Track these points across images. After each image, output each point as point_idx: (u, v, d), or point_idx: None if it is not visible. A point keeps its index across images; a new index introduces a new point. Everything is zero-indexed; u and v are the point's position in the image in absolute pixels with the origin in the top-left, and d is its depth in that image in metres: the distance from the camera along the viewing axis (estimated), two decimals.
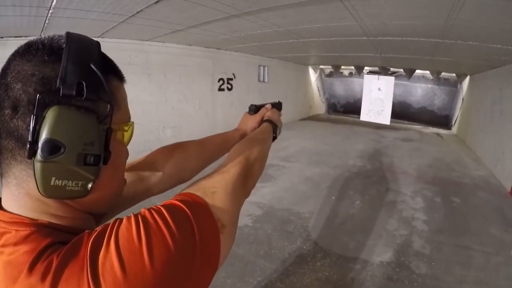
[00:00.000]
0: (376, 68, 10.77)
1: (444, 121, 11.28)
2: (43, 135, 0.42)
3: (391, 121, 10.81)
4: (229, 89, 7.89)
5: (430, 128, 11.28)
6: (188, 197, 0.52)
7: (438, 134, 10.10)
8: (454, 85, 10.37)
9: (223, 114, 7.68)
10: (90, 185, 0.47)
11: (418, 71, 10.31)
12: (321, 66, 12.80)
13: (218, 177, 0.61)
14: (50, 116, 0.43)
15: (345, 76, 12.85)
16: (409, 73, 10.31)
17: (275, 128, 1.04)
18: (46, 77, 0.45)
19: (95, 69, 0.47)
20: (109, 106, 0.49)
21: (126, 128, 0.56)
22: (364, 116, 10.81)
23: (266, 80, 9.40)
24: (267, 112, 1.12)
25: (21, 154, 0.45)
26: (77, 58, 0.46)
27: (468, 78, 9.22)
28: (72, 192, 0.46)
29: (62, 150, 0.44)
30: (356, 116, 11.86)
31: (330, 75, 13.38)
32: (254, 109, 1.13)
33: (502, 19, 2.89)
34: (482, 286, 2.60)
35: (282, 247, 3.10)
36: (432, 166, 6.15)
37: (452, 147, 8.20)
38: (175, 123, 6.40)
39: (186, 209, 0.48)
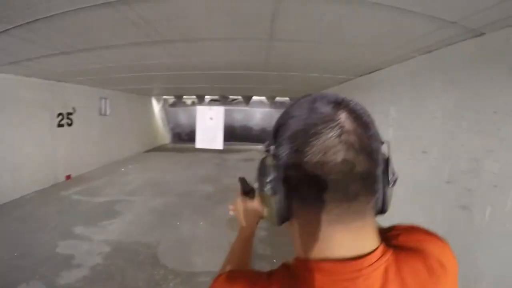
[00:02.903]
0: (217, 97, 11.77)
1: None
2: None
3: (234, 144, 12.38)
4: (69, 125, 7.13)
5: None
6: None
7: None
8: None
9: (64, 152, 6.95)
10: None
11: (255, 97, 11.73)
12: (164, 97, 13.07)
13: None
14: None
15: (188, 105, 13.51)
16: (247, 99, 11.76)
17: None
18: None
19: None
20: None
21: None
22: (199, 144, 11.72)
23: (107, 113, 8.81)
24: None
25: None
26: None
27: None
28: None
29: None
30: None
31: (173, 104, 13.80)
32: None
33: (311, 54, 3.51)
34: None
35: (135, 276, 3.22)
36: None
37: None
38: (13, 165, 5.53)
39: None
